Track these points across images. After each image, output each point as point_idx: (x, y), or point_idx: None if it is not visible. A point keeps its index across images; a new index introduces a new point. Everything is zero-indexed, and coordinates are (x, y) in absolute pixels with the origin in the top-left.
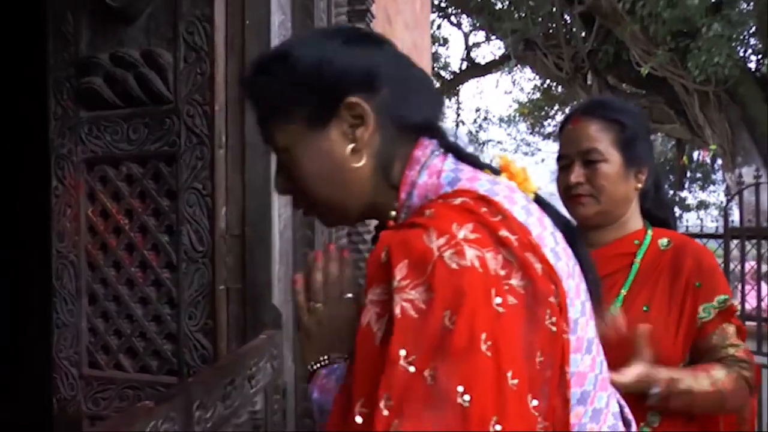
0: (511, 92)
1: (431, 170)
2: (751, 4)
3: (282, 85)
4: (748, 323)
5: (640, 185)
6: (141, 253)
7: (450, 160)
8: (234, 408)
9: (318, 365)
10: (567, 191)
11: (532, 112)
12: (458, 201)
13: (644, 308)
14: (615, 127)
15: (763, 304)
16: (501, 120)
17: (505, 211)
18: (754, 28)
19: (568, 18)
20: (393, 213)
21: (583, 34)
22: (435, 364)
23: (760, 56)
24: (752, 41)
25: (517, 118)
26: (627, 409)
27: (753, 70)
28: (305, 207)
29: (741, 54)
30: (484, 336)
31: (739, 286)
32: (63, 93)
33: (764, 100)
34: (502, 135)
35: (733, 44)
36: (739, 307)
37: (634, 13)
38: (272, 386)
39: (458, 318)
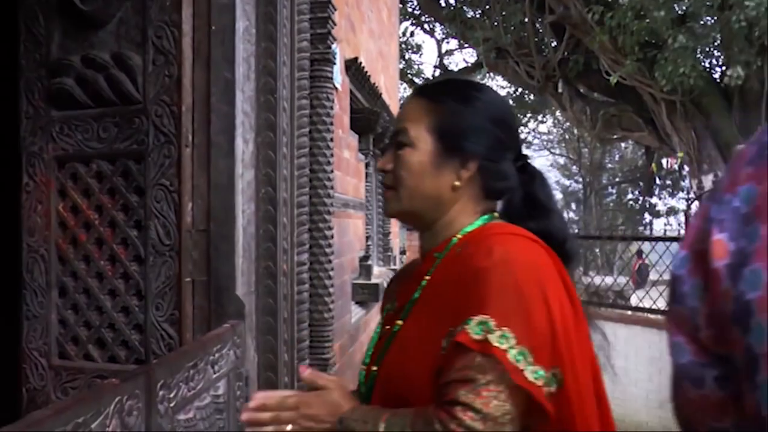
0: None
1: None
2: (715, 17)
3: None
4: None
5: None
6: (110, 247)
7: None
8: (197, 391)
9: None
10: None
11: None
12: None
13: None
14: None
15: None
16: None
17: None
18: (717, 41)
19: (539, 27)
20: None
21: (554, 43)
22: None
23: (723, 67)
24: (716, 53)
25: None
26: None
27: (717, 80)
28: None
29: (705, 65)
30: None
31: None
32: (34, 93)
33: (727, 109)
34: None
35: (698, 55)
36: None
37: (603, 23)
38: (235, 373)
39: None
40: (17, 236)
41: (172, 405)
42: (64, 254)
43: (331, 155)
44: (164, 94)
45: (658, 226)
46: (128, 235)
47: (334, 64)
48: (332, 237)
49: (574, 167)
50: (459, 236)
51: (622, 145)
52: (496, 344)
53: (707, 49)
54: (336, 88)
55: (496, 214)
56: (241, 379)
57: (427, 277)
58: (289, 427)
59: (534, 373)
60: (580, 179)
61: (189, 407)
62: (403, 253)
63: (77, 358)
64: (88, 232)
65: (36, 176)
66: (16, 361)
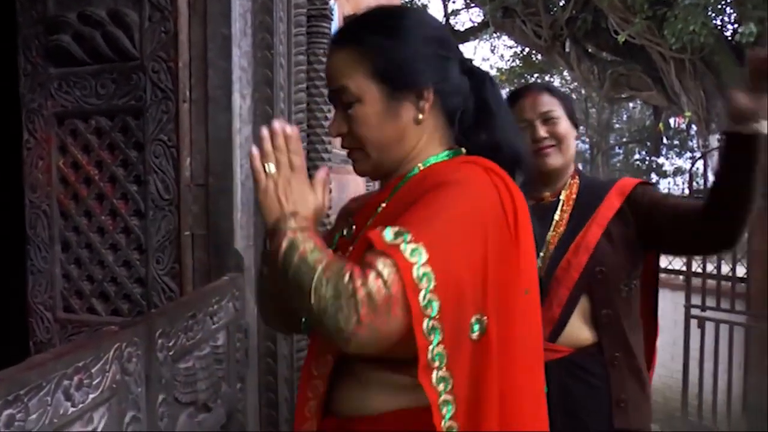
0: (489, 59)
1: None
2: None
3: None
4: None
5: None
6: (111, 202)
7: None
8: (196, 341)
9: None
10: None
11: (512, 80)
12: None
13: None
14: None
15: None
16: None
17: None
18: None
19: None
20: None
21: (562, 2)
22: None
23: (735, 25)
24: (728, 10)
25: None
26: None
27: (728, 38)
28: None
29: (717, 22)
30: None
31: None
32: (32, 50)
33: (738, 67)
34: None
35: (709, 13)
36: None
37: None
38: (234, 325)
39: None
40: (21, 193)
41: (171, 353)
42: (66, 209)
43: (329, 111)
44: (161, 50)
45: (665, 185)
46: (128, 190)
47: (332, 20)
48: (330, 192)
49: (582, 127)
50: (421, 166)
51: (630, 105)
52: (406, 255)
53: (719, 5)
54: None
55: (463, 150)
56: (240, 331)
57: (384, 204)
58: (272, 168)
59: (426, 301)
60: (587, 139)
61: (188, 357)
62: None
63: (81, 312)
64: (88, 187)
65: (36, 133)
66: (24, 316)
